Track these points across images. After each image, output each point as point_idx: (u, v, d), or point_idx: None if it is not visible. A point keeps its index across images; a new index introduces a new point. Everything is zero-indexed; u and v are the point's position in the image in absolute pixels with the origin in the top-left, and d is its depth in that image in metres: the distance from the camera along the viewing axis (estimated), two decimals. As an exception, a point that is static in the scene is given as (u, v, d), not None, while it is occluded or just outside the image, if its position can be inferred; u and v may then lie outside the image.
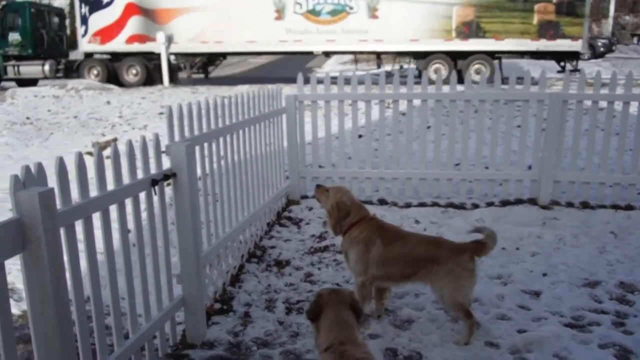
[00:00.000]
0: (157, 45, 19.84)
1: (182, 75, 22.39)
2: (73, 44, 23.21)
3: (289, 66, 22.61)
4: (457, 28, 18.48)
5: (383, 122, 6.38)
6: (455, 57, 18.72)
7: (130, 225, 2.99)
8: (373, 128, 6.69)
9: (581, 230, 5.40)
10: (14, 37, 20.88)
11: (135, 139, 3.99)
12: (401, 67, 23.97)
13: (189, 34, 19.63)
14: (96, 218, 2.59)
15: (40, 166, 2.18)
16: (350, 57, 20.98)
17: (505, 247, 4.99)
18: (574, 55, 18.58)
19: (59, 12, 23.51)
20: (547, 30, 18.05)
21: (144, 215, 3.09)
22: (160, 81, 20.29)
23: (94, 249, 2.57)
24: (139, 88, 19.08)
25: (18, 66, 20.92)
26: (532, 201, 6.16)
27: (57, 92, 17.17)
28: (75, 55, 22.48)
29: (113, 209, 2.75)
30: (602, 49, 30.75)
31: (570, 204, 6.11)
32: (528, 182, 6.30)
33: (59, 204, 2.27)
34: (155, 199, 3.18)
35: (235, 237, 4.52)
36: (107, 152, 7.48)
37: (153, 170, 3.15)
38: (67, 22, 24.84)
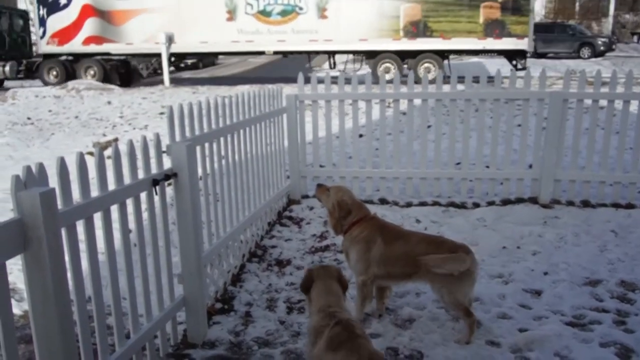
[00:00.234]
0: (117, 47, 20.30)
1: (180, 75, 22.45)
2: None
3: (289, 66, 22.64)
4: (404, 27, 18.76)
5: (384, 121, 6.38)
6: (404, 57, 19.06)
7: (132, 225, 2.99)
8: (374, 127, 6.69)
9: (582, 229, 5.40)
10: None
11: (136, 139, 3.99)
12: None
13: (144, 35, 19.93)
14: (97, 218, 2.59)
15: (41, 166, 2.19)
16: (349, 57, 20.99)
17: (506, 246, 5.00)
18: (522, 54, 18.84)
19: (23, 14, 23.69)
20: (493, 29, 18.31)
21: (145, 215, 3.10)
22: (117, 82, 20.68)
23: (95, 249, 2.57)
24: (140, 88, 19.10)
25: None
26: (533, 200, 6.16)
27: (58, 92, 17.18)
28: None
29: (114, 209, 2.75)
30: (602, 48, 30.72)
31: (571, 203, 6.11)
32: (529, 181, 6.29)
33: (60, 204, 2.28)
34: (156, 199, 3.18)
35: (236, 237, 4.52)
36: (108, 152, 7.49)
37: (154, 170, 3.16)
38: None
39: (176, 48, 20.11)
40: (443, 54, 19.11)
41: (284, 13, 19.16)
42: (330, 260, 4.79)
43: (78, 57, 20.88)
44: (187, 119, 3.63)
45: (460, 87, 6.20)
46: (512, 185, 6.31)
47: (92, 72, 20.73)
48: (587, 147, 6.14)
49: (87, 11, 20.15)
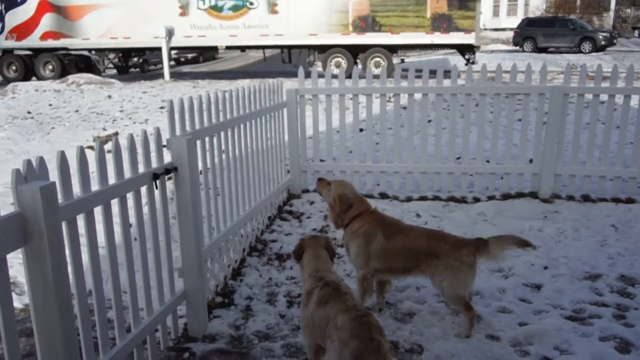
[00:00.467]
0: (74, 42, 20.54)
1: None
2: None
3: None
4: (353, 22, 18.95)
5: (384, 116, 6.38)
6: (354, 51, 19.26)
7: (132, 219, 2.99)
8: (374, 122, 6.69)
9: (582, 224, 5.40)
10: None
11: (136, 133, 3.98)
12: (402, 60, 23.92)
13: (99, 30, 20.20)
14: (98, 212, 2.59)
15: (41, 160, 2.19)
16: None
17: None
18: (471, 48, 19.04)
19: None
20: (441, 23, 18.51)
21: (145, 209, 3.10)
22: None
23: (95, 243, 2.57)
24: (140, 82, 19.08)
25: None
26: (533, 194, 6.16)
27: (58, 86, 17.14)
28: None
29: (114, 203, 2.76)
30: (603, 42, 30.62)
31: (571, 198, 6.11)
32: (529, 175, 6.29)
33: (60, 198, 2.28)
34: (157, 193, 3.18)
35: (237, 231, 4.52)
36: (108, 146, 7.48)
37: (154, 164, 3.16)
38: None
39: (130, 43, 20.46)
40: (392, 49, 19.40)
41: (235, 8, 19.45)
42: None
43: (37, 52, 21.17)
44: (188, 113, 3.63)
45: (460, 81, 6.19)
46: (513, 179, 6.31)
47: (50, 67, 21.05)
48: (588, 142, 6.13)
49: (45, 6, 20.46)
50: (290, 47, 20.41)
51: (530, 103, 6.21)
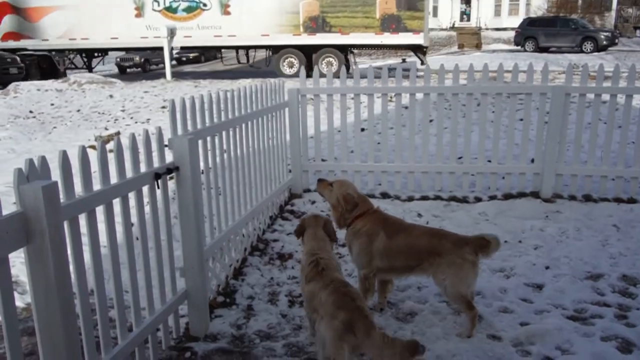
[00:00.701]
0: (34, 42, 20.99)
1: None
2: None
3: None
4: (304, 23, 19.27)
5: (385, 115, 6.38)
6: (306, 51, 19.53)
7: (134, 218, 2.99)
8: (375, 122, 6.68)
9: (584, 224, 5.40)
10: None
11: (138, 132, 3.96)
12: (404, 60, 23.95)
13: (58, 31, 20.61)
14: (99, 212, 2.59)
15: (43, 160, 2.19)
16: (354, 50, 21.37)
17: (508, 240, 4.99)
18: (420, 49, 19.37)
19: None
20: (390, 24, 18.78)
21: (147, 208, 3.10)
22: (37, 76, 21.00)
23: (97, 242, 2.58)
24: (142, 82, 19.12)
25: None
26: (535, 194, 6.15)
27: (60, 85, 17.17)
28: None
29: (116, 203, 2.76)
30: (604, 42, 30.59)
31: (572, 197, 6.10)
32: (530, 175, 6.29)
33: (62, 198, 2.28)
34: (159, 192, 3.18)
35: (238, 231, 4.53)
36: (110, 145, 7.49)
37: (156, 164, 3.16)
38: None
39: (88, 44, 20.85)
40: (344, 49, 19.62)
41: (189, 9, 19.85)
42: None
43: None
44: (189, 113, 3.63)
45: (462, 81, 6.18)
46: (514, 179, 6.30)
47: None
48: (590, 142, 6.13)
49: (5, 8, 20.92)
50: (242, 48, 21.11)
51: (532, 103, 6.21)
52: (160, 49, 20.69)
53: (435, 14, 48.06)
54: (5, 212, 2.05)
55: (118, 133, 9.77)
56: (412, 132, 6.35)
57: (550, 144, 6.04)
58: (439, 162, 6.34)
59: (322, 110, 6.73)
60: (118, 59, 27.56)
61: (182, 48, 21.56)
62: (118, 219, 2.75)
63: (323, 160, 6.74)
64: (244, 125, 4.69)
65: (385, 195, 6.32)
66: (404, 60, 23.77)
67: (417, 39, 18.72)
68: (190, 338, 3.48)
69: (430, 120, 6.75)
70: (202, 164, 3.76)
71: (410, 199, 6.24)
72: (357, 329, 2.58)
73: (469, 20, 48.43)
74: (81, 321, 2.45)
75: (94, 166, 2.52)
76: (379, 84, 6.30)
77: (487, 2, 47.06)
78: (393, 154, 6.56)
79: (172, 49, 20.40)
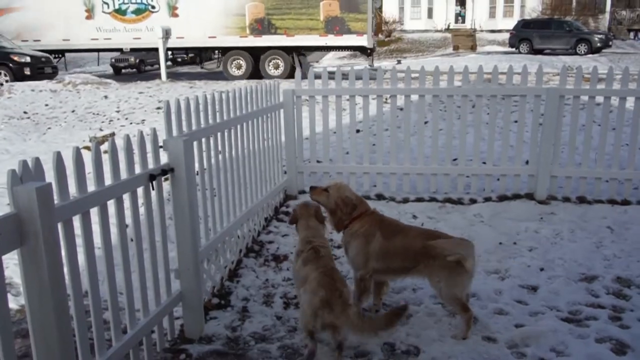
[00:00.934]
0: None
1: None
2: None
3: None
4: (250, 25, 19.61)
5: (381, 117, 6.38)
6: (253, 53, 19.87)
7: (128, 220, 2.99)
8: (371, 123, 6.68)
9: (578, 225, 5.41)
10: None
11: (133, 133, 3.93)
12: (399, 62, 24.00)
13: (11, 33, 20.79)
14: (94, 213, 2.58)
15: (37, 161, 2.18)
16: (349, 51, 21.61)
17: (503, 242, 5.01)
18: (365, 51, 19.82)
19: None
20: (334, 26, 19.13)
21: (141, 210, 3.09)
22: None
23: (91, 243, 2.56)
24: (137, 82, 19.09)
25: None
26: (530, 196, 6.17)
27: (55, 86, 17.10)
28: None
29: (111, 204, 2.75)
30: (598, 44, 30.74)
31: (567, 199, 6.12)
32: (525, 177, 6.30)
33: (56, 199, 2.27)
34: (153, 194, 3.18)
35: (233, 232, 4.52)
36: (104, 146, 7.46)
37: (151, 165, 3.15)
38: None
39: (40, 46, 20.96)
40: (290, 51, 19.84)
41: (138, 12, 20.20)
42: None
43: None
44: (184, 114, 3.62)
45: (457, 83, 6.19)
46: (509, 181, 6.32)
47: None
48: (584, 144, 6.15)
49: None
50: (190, 50, 21.59)
51: (527, 105, 6.22)
52: (113, 50, 21.28)
53: (430, 16, 48.19)
54: (-2, 214, 2.04)
55: (113, 134, 9.73)
56: (407, 133, 6.36)
57: (545, 146, 6.06)
58: (434, 163, 6.35)
59: (317, 111, 6.72)
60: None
61: (132, 50, 21.86)
62: (112, 220, 2.74)
63: (318, 161, 6.74)
64: (239, 127, 4.68)
65: (380, 197, 6.33)
66: (399, 62, 23.81)
67: (360, 41, 19.01)
68: (185, 340, 3.47)
69: (426, 122, 6.76)
70: (197, 166, 3.75)
71: (406, 200, 6.25)
72: (334, 305, 3.00)
73: (463, 22, 48.53)
74: (75, 323, 2.44)
75: (89, 167, 2.51)
76: (374, 86, 6.30)
77: (482, 3, 47.16)
78: (388, 155, 6.56)
79: (75, 50, 20.95)
